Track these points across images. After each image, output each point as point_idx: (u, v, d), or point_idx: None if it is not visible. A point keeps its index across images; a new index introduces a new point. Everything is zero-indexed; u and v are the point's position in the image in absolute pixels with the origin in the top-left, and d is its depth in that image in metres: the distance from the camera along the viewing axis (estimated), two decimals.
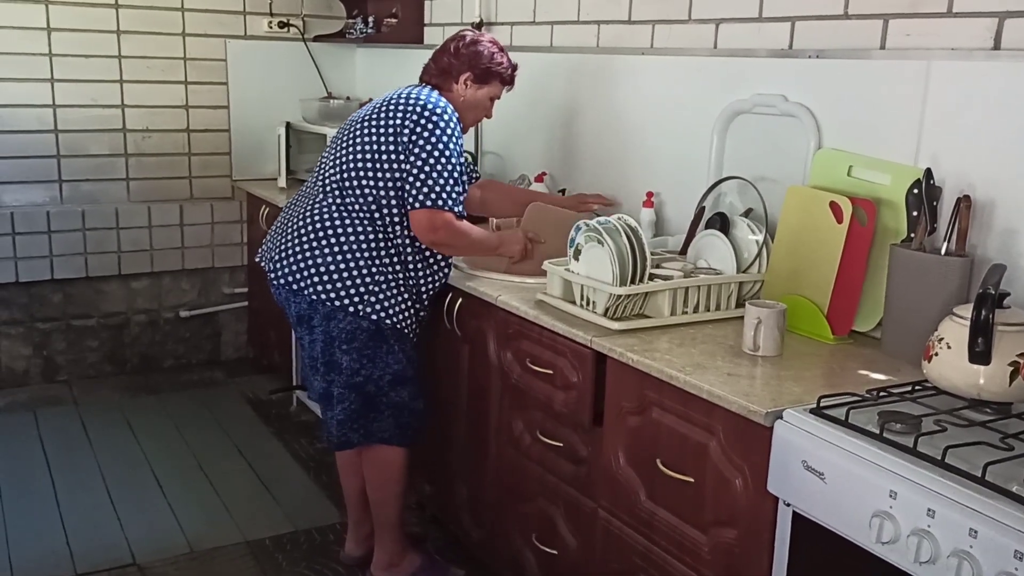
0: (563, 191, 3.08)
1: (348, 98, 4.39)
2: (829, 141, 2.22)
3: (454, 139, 2.38)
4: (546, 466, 2.30)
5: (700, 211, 2.40)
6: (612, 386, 2.03)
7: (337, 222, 2.40)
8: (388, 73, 4.32)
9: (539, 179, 3.17)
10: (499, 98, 2.62)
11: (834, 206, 2.06)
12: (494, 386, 2.48)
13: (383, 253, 2.41)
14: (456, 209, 2.36)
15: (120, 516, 3.03)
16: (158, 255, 4.27)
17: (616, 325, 2.07)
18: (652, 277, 2.16)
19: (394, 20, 3.98)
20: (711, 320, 2.17)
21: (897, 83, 2.05)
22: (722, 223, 2.30)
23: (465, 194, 2.46)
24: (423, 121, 2.35)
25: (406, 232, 2.43)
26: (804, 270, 2.12)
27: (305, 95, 4.38)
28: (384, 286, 2.41)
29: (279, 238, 2.50)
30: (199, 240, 4.34)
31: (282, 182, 4.16)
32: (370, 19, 4.17)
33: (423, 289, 2.50)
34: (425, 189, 2.34)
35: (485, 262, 2.64)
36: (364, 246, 2.39)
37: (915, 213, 1.94)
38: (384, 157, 2.38)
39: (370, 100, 2.64)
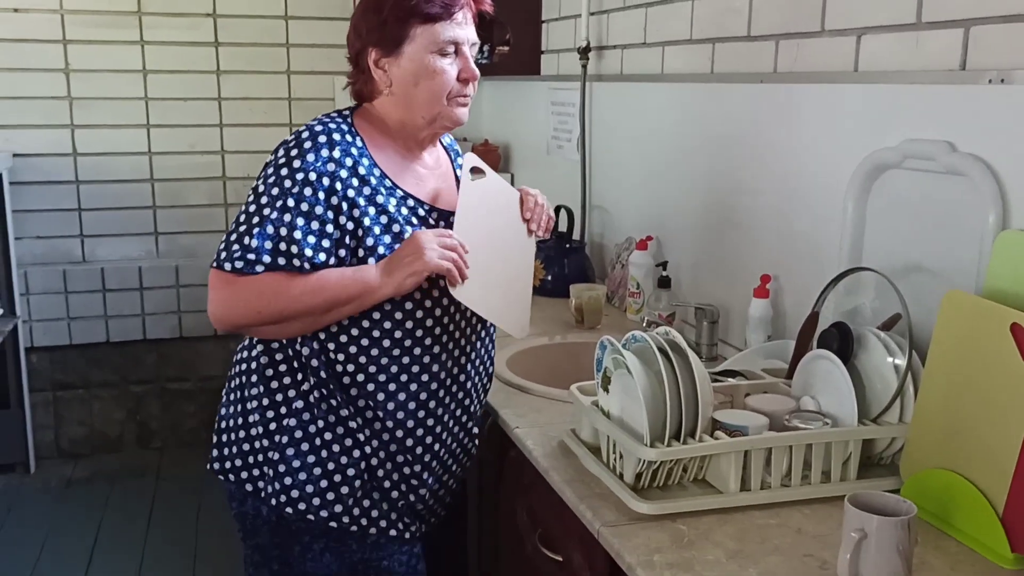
0: (664, 264, 2.33)
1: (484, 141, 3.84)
2: (1019, 217, 1.37)
3: (290, 168, 1.45)
4: None
5: (813, 317, 1.59)
6: None
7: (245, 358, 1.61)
8: (507, 107, 3.74)
9: (642, 246, 2.44)
10: (457, 43, 1.52)
11: (1019, 331, 1.22)
12: (514, 552, 1.79)
13: (289, 388, 1.53)
14: (228, 266, 1.41)
15: None
16: None
17: (645, 506, 1.32)
18: (717, 425, 1.39)
19: (506, 48, 3.38)
20: (809, 501, 1.37)
21: None
22: (842, 339, 1.49)
23: (294, 251, 1.42)
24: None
25: (324, 356, 1.52)
26: (969, 430, 1.29)
27: None
28: (292, 449, 1.51)
29: None
30: None
31: None
32: (485, 47, 3.59)
33: (384, 434, 1.54)
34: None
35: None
36: (256, 378, 1.56)
37: None
38: None
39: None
